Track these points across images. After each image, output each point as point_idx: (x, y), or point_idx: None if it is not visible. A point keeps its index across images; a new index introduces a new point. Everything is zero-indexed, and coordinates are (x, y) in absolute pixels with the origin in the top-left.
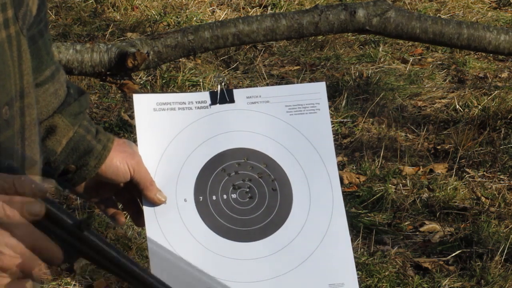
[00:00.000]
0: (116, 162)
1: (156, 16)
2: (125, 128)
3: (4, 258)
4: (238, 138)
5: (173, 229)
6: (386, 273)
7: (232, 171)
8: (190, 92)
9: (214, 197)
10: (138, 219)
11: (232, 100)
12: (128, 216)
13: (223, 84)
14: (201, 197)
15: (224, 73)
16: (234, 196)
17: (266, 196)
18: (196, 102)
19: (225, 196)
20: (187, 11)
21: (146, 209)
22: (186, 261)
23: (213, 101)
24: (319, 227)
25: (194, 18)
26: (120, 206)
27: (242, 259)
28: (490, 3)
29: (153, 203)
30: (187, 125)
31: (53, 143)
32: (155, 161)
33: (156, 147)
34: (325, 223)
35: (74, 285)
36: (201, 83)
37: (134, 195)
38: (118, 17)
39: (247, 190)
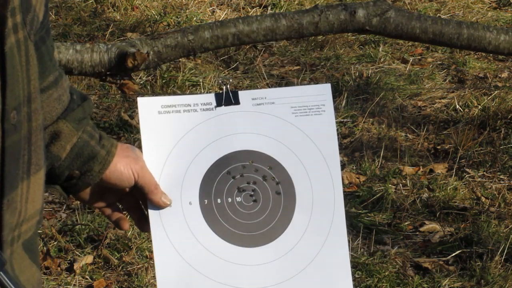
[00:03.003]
0: (120, 167)
1: (156, 16)
2: (125, 128)
3: None
4: (244, 140)
5: (178, 233)
6: (386, 273)
7: (237, 173)
8: (190, 92)
9: (219, 201)
10: (142, 224)
11: (237, 102)
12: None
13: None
14: (206, 201)
15: (224, 73)
16: (239, 199)
17: (270, 200)
18: (202, 104)
19: (230, 200)
20: (187, 11)
21: (151, 213)
22: (191, 266)
23: (219, 103)
24: (320, 231)
25: (194, 18)
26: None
27: (246, 265)
28: (490, 3)
29: (158, 207)
30: (192, 127)
31: (57, 149)
32: (160, 164)
33: (161, 150)
34: (326, 228)
35: (74, 285)
36: (201, 83)
37: (138, 200)
38: (118, 17)
39: (252, 193)
